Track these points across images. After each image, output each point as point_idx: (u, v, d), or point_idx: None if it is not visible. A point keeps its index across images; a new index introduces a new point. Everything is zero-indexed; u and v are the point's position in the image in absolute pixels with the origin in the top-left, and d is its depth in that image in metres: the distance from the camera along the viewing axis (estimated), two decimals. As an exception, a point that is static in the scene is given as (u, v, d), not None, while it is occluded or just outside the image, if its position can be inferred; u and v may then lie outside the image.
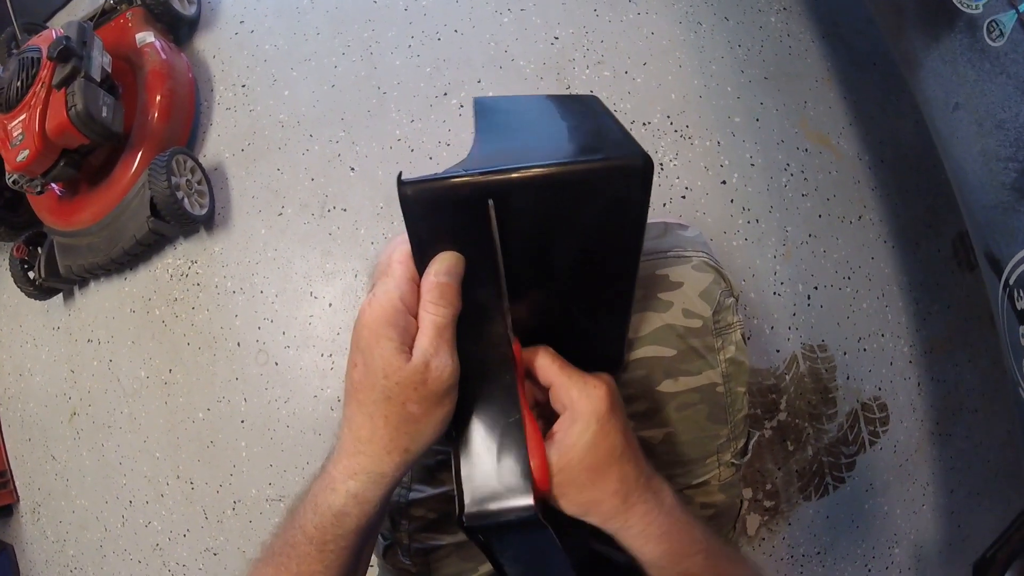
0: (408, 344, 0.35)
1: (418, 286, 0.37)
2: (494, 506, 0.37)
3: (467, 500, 0.37)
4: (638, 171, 0.36)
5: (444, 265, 0.36)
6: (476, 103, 0.45)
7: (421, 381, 0.35)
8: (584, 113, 0.44)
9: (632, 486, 0.38)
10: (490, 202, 0.35)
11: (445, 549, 0.59)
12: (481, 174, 0.34)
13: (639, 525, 0.39)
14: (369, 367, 0.35)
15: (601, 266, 0.41)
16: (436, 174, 0.35)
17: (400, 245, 0.38)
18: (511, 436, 0.38)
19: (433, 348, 0.35)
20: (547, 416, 0.42)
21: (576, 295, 0.43)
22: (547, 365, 0.40)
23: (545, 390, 0.41)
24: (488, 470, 0.38)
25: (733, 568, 0.42)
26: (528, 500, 0.36)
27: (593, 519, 0.39)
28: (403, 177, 0.34)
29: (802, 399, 1.07)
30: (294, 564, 0.38)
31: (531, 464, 0.37)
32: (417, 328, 0.36)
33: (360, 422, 0.37)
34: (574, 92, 1.12)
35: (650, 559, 0.40)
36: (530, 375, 0.42)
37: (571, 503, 0.39)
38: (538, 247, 0.39)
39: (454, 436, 0.39)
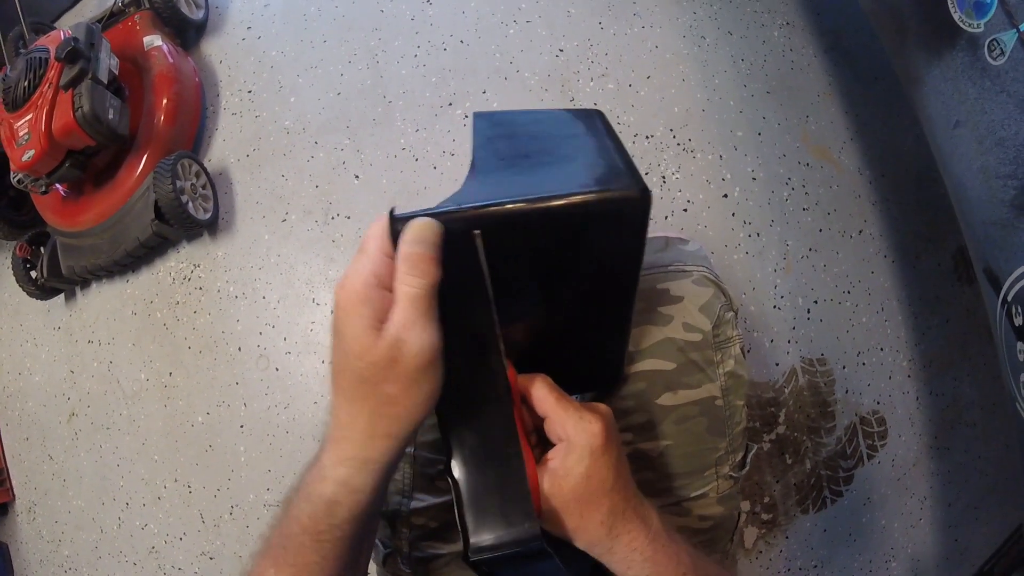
0: (382, 321, 0.33)
1: (390, 258, 0.35)
2: (499, 540, 0.37)
3: (472, 536, 0.37)
4: (635, 204, 0.35)
5: (415, 233, 0.34)
6: (475, 119, 0.44)
7: (393, 358, 0.33)
8: (585, 133, 0.43)
9: (619, 517, 0.39)
10: (476, 233, 0.34)
11: (445, 558, 0.59)
12: (472, 209, 0.34)
13: (623, 552, 0.39)
14: (344, 349, 0.34)
15: (598, 290, 0.41)
16: (428, 210, 0.35)
17: (375, 223, 0.36)
18: (511, 468, 0.38)
19: (407, 322, 0.33)
20: (541, 443, 0.42)
21: (573, 317, 0.43)
22: (543, 396, 0.40)
23: (539, 419, 0.41)
24: (490, 504, 0.37)
25: None
26: (534, 531, 0.37)
27: (578, 544, 0.40)
28: (395, 213, 0.35)
29: (801, 412, 1.07)
30: (291, 556, 0.38)
31: None
32: (389, 301, 0.34)
33: (342, 407, 0.36)
34: (578, 105, 1.13)
35: None
36: (525, 401, 0.41)
37: (557, 528, 0.39)
38: (533, 274, 0.39)
39: (452, 470, 0.38)
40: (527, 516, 0.37)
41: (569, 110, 0.46)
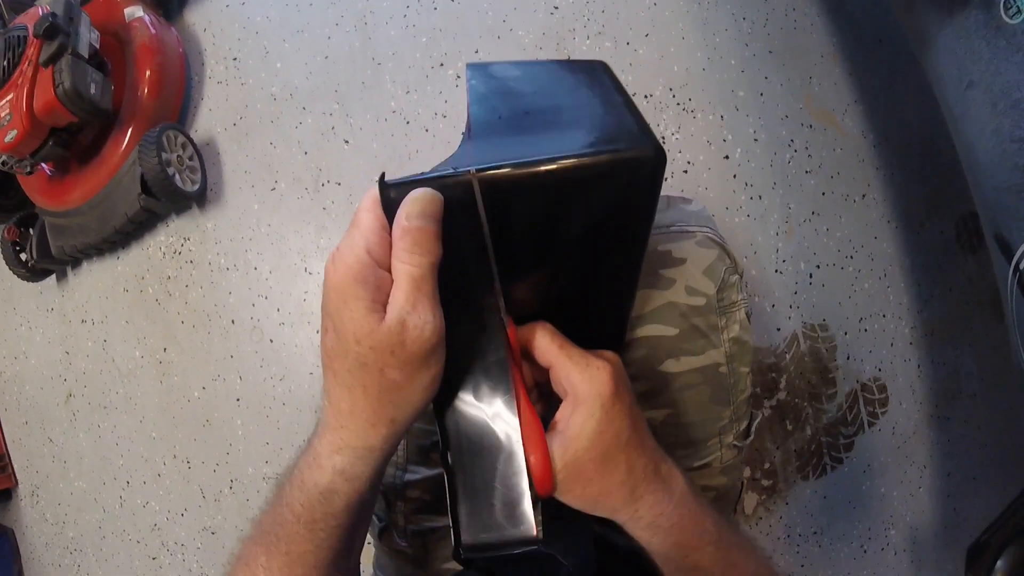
0: (381, 302, 0.31)
1: (389, 234, 0.32)
2: (494, 537, 0.34)
3: (464, 533, 0.34)
4: (648, 163, 0.32)
5: (417, 206, 0.31)
6: (470, 70, 0.41)
7: (399, 343, 0.30)
8: (590, 86, 0.40)
9: (640, 475, 0.36)
10: (478, 197, 0.31)
11: (442, 531, 0.58)
12: (472, 172, 0.31)
13: (648, 516, 0.36)
14: (340, 332, 0.31)
15: (605, 252, 0.38)
16: (422, 174, 0.32)
17: (369, 193, 0.33)
18: (512, 460, 0.34)
19: (410, 304, 0.31)
20: (547, 396, 0.39)
21: (577, 280, 0.40)
22: (546, 345, 0.37)
23: (544, 370, 0.38)
24: (487, 498, 0.35)
25: (744, 559, 0.40)
26: (531, 532, 0.34)
27: (600, 512, 0.37)
28: (386, 179, 0.32)
29: (802, 379, 1.06)
30: (283, 544, 0.36)
31: (531, 461, 0.34)
32: (391, 283, 0.32)
33: (338, 394, 0.33)
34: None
35: (659, 550, 0.38)
36: (528, 355, 0.38)
37: (577, 498, 0.36)
38: (536, 237, 0.36)
39: (447, 458, 0.36)
40: (524, 517, 0.34)
41: (572, 61, 0.43)
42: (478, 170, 0.31)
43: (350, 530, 0.37)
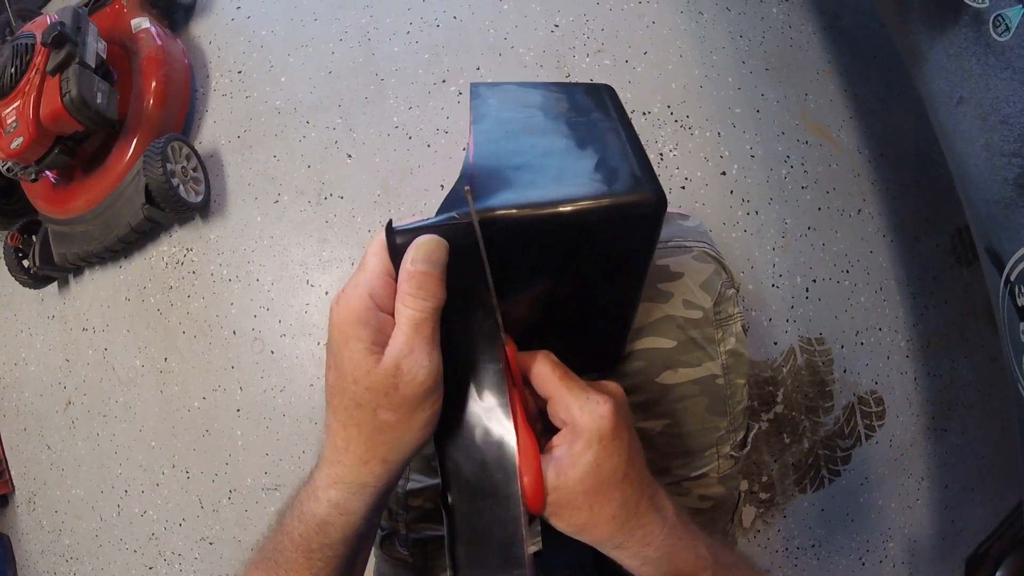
0: (381, 344, 0.32)
1: (394, 280, 0.33)
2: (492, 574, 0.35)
3: (460, 572, 0.35)
4: (650, 208, 0.34)
5: (422, 251, 0.32)
6: (473, 91, 0.41)
7: (392, 386, 0.31)
8: (596, 117, 0.40)
9: (632, 511, 0.35)
10: (480, 243, 0.32)
11: (443, 540, 0.58)
12: (474, 216, 0.32)
13: (636, 547, 0.36)
14: (339, 371, 0.33)
15: (605, 281, 0.39)
16: (427, 220, 0.33)
17: (377, 237, 0.34)
18: (509, 507, 0.34)
19: (408, 348, 0.31)
20: (547, 422, 0.39)
21: (578, 303, 0.41)
22: (547, 375, 0.37)
23: (544, 399, 0.38)
24: (483, 538, 0.35)
25: None
26: None
27: (586, 540, 0.37)
28: (393, 226, 0.33)
29: (799, 392, 1.07)
30: (282, 571, 0.37)
31: (524, 481, 0.34)
32: (391, 324, 0.33)
33: (335, 429, 0.34)
34: (578, 80, 1.11)
35: None
36: (527, 380, 0.38)
37: (564, 523, 0.36)
38: (537, 268, 0.37)
39: (447, 499, 0.36)
40: (518, 561, 0.34)
41: (577, 85, 0.42)
42: (481, 215, 0.32)
43: (348, 560, 0.38)
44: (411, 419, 0.33)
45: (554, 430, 0.37)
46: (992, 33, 0.63)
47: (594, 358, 0.43)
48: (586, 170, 0.35)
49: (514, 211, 0.32)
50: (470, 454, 0.35)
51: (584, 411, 0.35)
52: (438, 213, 0.33)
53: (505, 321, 0.36)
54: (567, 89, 0.42)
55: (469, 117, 0.39)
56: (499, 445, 0.35)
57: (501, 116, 0.39)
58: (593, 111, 0.40)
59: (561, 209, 0.32)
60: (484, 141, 0.37)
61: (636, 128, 0.39)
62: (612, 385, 0.38)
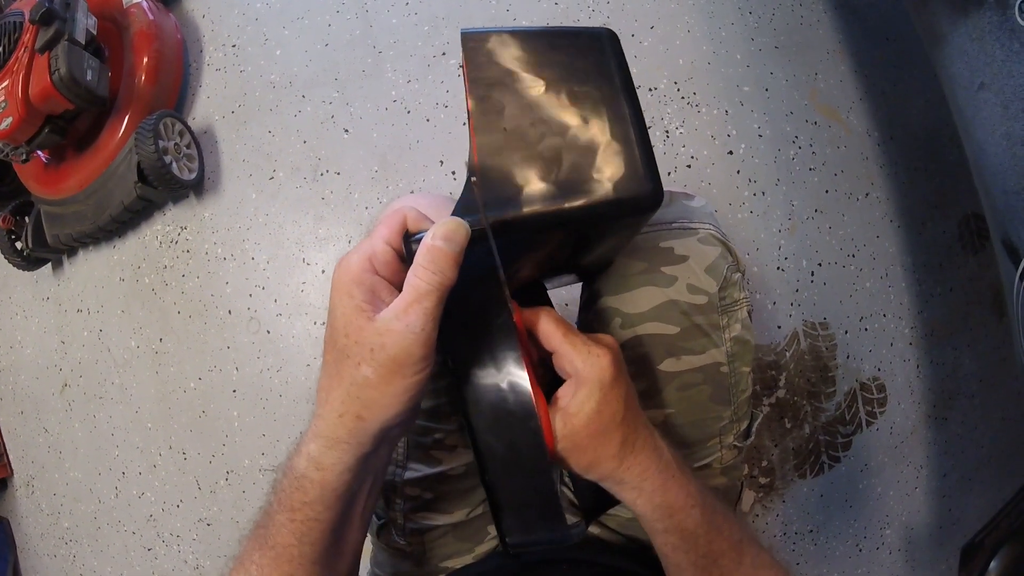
0: (373, 304, 0.34)
1: (393, 249, 0.37)
2: (537, 538, 0.39)
3: (509, 536, 0.39)
4: (647, 201, 0.37)
5: (442, 229, 0.34)
6: (465, 43, 0.38)
7: (379, 344, 0.33)
8: (597, 84, 0.39)
9: (630, 448, 0.39)
10: (492, 242, 0.35)
11: (440, 529, 0.58)
12: (491, 218, 0.35)
13: (634, 481, 0.40)
14: (332, 326, 0.35)
15: (599, 243, 0.43)
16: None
17: (392, 211, 0.37)
18: (545, 482, 0.38)
19: (403, 311, 0.33)
20: (550, 370, 0.42)
21: (572, 258, 0.45)
22: (551, 332, 0.40)
23: (548, 351, 0.41)
24: (525, 505, 0.38)
25: (728, 525, 0.42)
26: (568, 533, 0.38)
27: (591, 476, 0.40)
28: (411, 236, 0.37)
29: (801, 377, 1.06)
30: (271, 537, 0.37)
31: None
32: (386, 290, 0.36)
33: (322, 383, 0.36)
34: None
35: (643, 512, 0.41)
36: (532, 334, 0.41)
37: (574, 464, 0.40)
38: (539, 245, 0.40)
39: (482, 475, 0.39)
40: (559, 519, 0.38)
41: (578, 35, 0.40)
42: (492, 218, 0.35)
43: (331, 531, 0.37)
44: (390, 381, 0.33)
45: (555, 375, 0.41)
46: (1017, 18, 0.61)
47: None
48: (589, 163, 0.37)
49: (527, 212, 0.36)
50: (500, 434, 0.38)
51: (587, 363, 0.38)
52: (457, 204, 0.36)
53: (507, 277, 0.38)
54: (567, 40, 0.40)
55: (464, 78, 0.38)
56: (524, 420, 0.38)
57: (499, 78, 0.38)
58: (595, 75, 0.39)
59: (569, 207, 0.36)
60: (485, 128, 0.37)
61: (641, 105, 0.38)
62: (608, 338, 0.41)
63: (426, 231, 0.35)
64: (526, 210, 0.35)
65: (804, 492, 1.08)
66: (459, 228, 0.34)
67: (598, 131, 0.37)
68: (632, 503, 0.41)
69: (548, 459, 0.38)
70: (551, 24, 1.11)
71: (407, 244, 0.37)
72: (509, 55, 0.38)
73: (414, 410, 0.37)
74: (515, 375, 0.38)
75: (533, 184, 0.36)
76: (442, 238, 0.34)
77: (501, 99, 0.38)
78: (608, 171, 0.36)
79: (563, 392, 0.39)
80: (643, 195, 0.36)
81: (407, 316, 0.33)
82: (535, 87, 0.38)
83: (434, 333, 0.34)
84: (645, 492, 0.40)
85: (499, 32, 0.39)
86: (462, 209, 0.36)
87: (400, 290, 0.34)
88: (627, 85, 0.39)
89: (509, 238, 0.36)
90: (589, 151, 0.37)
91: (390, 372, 0.33)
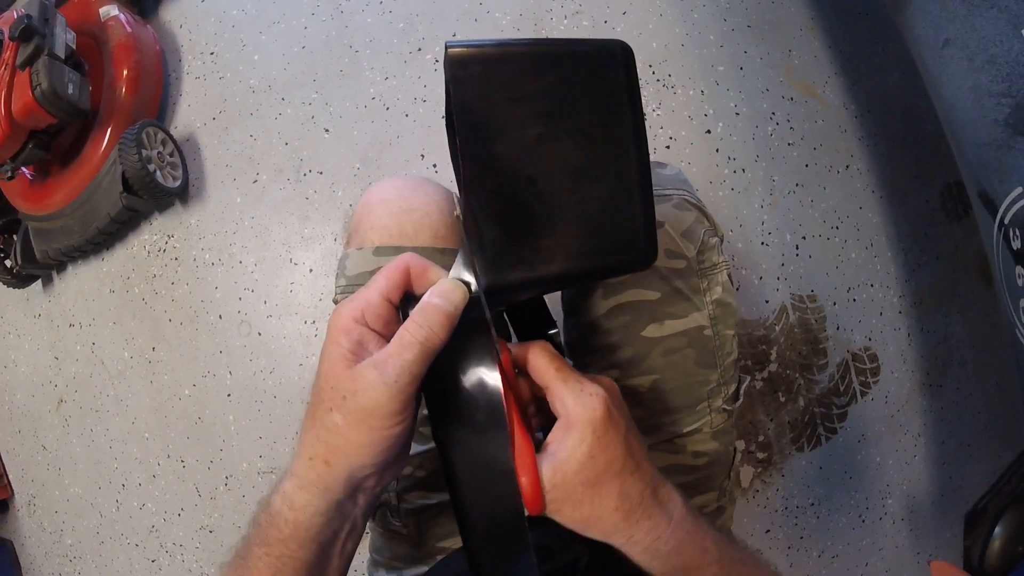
0: (358, 354, 0.34)
1: (389, 302, 0.36)
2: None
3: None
4: (640, 265, 0.37)
5: (440, 288, 0.35)
6: (449, 59, 0.34)
7: (352, 390, 0.32)
8: (606, 130, 0.36)
9: (636, 502, 0.36)
10: (485, 309, 0.35)
11: (436, 508, 0.58)
12: (477, 290, 0.36)
13: (645, 541, 0.36)
14: (319, 370, 0.35)
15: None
16: None
17: (396, 263, 0.36)
18: (511, 504, 0.35)
19: (382, 361, 0.33)
20: (545, 411, 0.40)
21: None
22: (543, 367, 0.37)
23: (542, 388, 0.39)
24: (494, 535, 0.36)
25: (749, 573, 0.40)
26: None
27: (593, 535, 0.37)
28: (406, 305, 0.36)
29: (792, 350, 1.06)
30: (248, 569, 0.36)
31: (521, 482, 0.34)
32: (375, 342, 0.35)
33: (303, 422, 0.36)
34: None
35: (659, 574, 0.38)
36: (523, 372, 0.39)
37: (568, 520, 0.36)
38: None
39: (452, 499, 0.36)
40: (525, 549, 0.35)
41: (585, 49, 0.36)
42: (486, 289, 0.35)
43: (307, 565, 0.36)
44: (357, 430, 0.33)
45: (550, 414, 0.38)
46: (977, -30, 0.62)
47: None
48: (590, 229, 0.36)
49: (519, 278, 0.36)
50: (477, 499, 0.35)
51: (577, 402, 0.35)
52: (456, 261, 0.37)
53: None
54: (575, 60, 0.35)
55: (452, 115, 0.34)
56: (496, 459, 0.35)
57: (494, 123, 0.34)
58: (603, 112, 0.35)
59: (563, 270, 0.36)
60: (476, 183, 0.34)
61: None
62: (606, 379, 0.39)
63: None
64: (521, 276, 0.35)
65: (803, 465, 1.08)
66: (454, 287, 0.35)
67: (602, 189, 0.35)
68: (647, 566, 0.37)
69: (526, 531, 0.34)
70: (524, 14, 1.11)
71: (404, 308, 0.36)
72: (505, 84, 0.34)
73: (389, 463, 0.36)
74: (495, 416, 0.35)
75: (529, 248, 0.35)
76: (439, 295, 0.34)
77: (494, 144, 0.34)
78: (608, 237, 0.35)
79: (553, 436, 0.36)
80: (639, 260, 0.36)
81: (384, 366, 0.32)
82: (534, 128, 0.34)
83: (410, 388, 0.33)
84: (659, 554, 0.36)
85: (492, 48, 0.34)
86: (462, 265, 0.36)
87: None
88: (637, 122, 0.36)
89: (504, 298, 0.36)
90: (590, 214, 0.35)
91: (358, 420, 0.33)
